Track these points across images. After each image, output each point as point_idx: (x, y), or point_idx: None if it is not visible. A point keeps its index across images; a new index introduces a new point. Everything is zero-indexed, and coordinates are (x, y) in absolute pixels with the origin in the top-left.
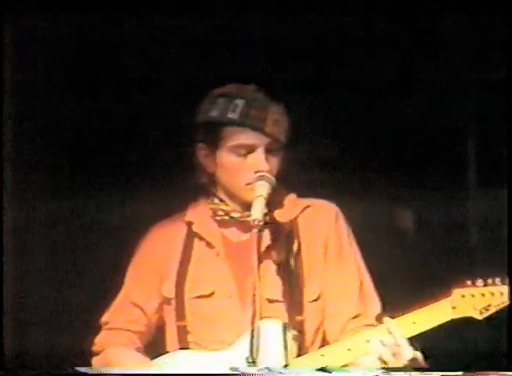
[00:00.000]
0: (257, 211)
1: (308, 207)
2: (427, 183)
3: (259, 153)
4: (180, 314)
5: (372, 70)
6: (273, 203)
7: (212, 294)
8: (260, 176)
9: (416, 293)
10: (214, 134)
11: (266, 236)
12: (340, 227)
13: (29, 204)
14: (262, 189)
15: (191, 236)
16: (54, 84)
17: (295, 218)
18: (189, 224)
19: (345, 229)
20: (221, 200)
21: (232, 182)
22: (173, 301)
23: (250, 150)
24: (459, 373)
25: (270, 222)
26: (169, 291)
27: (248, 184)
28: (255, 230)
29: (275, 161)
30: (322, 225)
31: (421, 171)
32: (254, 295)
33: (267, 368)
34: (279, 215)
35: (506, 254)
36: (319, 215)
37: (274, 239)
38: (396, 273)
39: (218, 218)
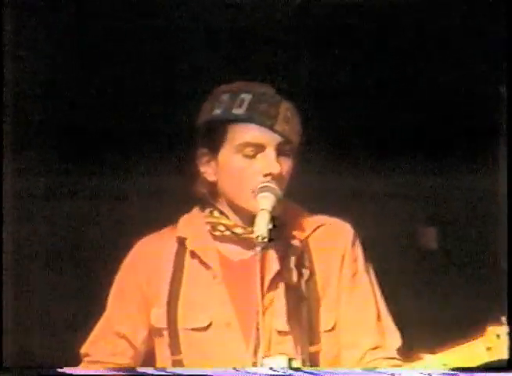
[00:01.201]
0: (261, 227)
1: (321, 226)
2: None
3: (269, 153)
4: (175, 347)
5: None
6: (280, 218)
7: (209, 325)
8: (263, 187)
9: (442, 326)
10: (217, 135)
11: (272, 255)
12: (357, 251)
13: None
14: (266, 202)
15: (182, 254)
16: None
17: (306, 238)
18: (181, 240)
19: (361, 253)
20: (222, 213)
21: (236, 190)
22: (165, 333)
23: (259, 149)
24: (459, 373)
25: (275, 240)
26: (159, 320)
27: (254, 190)
28: (258, 248)
29: (286, 165)
30: (338, 247)
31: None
32: (257, 325)
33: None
34: (289, 233)
35: None
36: (333, 236)
37: (282, 259)
38: (418, 303)
39: (217, 233)
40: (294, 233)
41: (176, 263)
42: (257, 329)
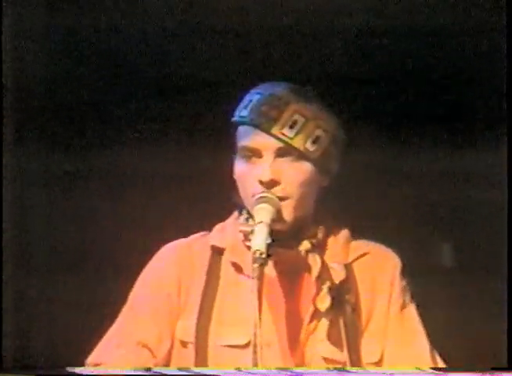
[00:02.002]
0: (259, 242)
1: (366, 254)
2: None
3: (265, 160)
4: (200, 364)
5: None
6: (314, 237)
7: (249, 344)
8: (260, 198)
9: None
10: (233, 137)
11: (309, 277)
12: (404, 283)
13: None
14: (264, 214)
15: (217, 264)
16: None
17: (350, 264)
18: (217, 250)
19: (407, 284)
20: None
21: (243, 195)
22: (190, 346)
23: (256, 154)
24: (459, 373)
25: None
26: (186, 333)
27: (253, 197)
28: (256, 265)
29: (291, 173)
30: (386, 277)
31: None
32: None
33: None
34: (330, 256)
35: None
36: (380, 266)
37: (320, 282)
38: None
39: (248, 243)
40: (334, 256)
41: (210, 274)
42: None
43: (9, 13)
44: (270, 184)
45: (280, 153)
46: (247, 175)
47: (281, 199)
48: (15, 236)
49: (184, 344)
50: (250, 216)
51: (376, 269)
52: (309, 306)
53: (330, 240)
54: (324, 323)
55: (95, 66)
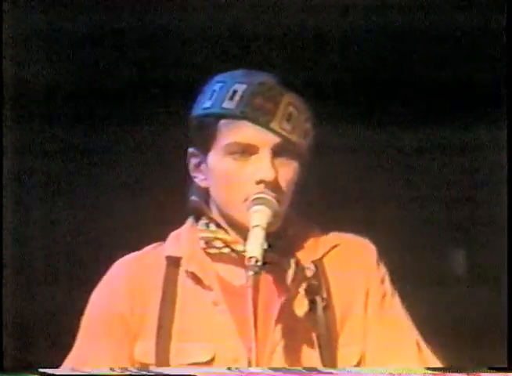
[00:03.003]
0: (255, 247)
1: (336, 246)
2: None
3: (263, 157)
4: None
5: None
6: (286, 234)
7: (212, 360)
8: (256, 199)
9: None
10: (206, 133)
11: (278, 281)
12: (382, 271)
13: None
14: (260, 218)
15: (173, 277)
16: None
17: (320, 260)
18: (174, 260)
19: (386, 274)
20: (220, 227)
21: (227, 198)
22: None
23: (252, 151)
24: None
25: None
26: (146, 354)
27: (247, 200)
28: (251, 273)
29: (287, 171)
30: (360, 269)
31: None
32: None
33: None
34: (298, 254)
35: None
36: (353, 257)
37: (290, 286)
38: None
39: (212, 251)
40: (304, 253)
41: (166, 288)
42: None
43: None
44: (271, 184)
45: (277, 150)
46: (238, 174)
47: (277, 200)
48: (15, 237)
49: (145, 366)
50: (211, 221)
51: (349, 260)
52: (274, 315)
53: (299, 236)
54: (289, 331)
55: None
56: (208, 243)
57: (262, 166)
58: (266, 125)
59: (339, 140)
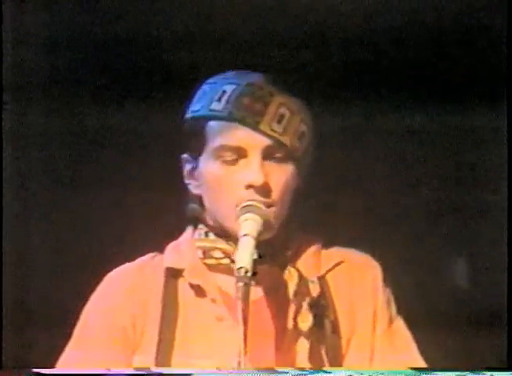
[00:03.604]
0: (244, 257)
1: (340, 263)
2: None
3: (252, 160)
4: None
5: None
6: (286, 248)
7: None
8: (246, 207)
9: None
10: (196, 136)
11: (282, 296)
12: (388, 293)
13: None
14: (250, 226)
15: (173, 289)
16: None
17: (323, 276)
18: (174, 272)
19: (391, 295)
20: (219, 235)
21: (217, 205)
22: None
23: (240, 154)
24: (459, 373)
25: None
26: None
27: (238, 206)
28: (241, 284)
29: (278, 175)
30: (367, 289)
31: None
32: None
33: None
34: (301, 268)
35: None
36: (358, 275)
37: (293, 302)
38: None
39: (211, 262)
40: (307, 268)
41: (166, 301)
42: None
43: None
44: (261, 189)
45: (267, 153)
46: (227, 179)
47: (268, 206)
48: (15, 237)
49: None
50: (209, 229)
51: (354, 279)
52: (289, 326)
53: (302, 252)
54: (305, 345)
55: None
56: (206, 253)
57: (251, 170)
58: (255, 127)
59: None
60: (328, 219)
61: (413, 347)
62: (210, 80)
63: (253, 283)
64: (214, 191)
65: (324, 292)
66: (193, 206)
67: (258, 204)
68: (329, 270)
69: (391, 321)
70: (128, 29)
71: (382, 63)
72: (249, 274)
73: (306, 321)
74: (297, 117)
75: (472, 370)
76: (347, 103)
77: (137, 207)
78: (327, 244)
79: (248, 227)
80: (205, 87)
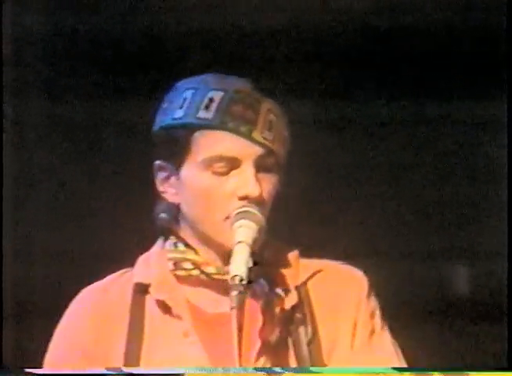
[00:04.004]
0: (239, 265)
1: (319, 271)
2: None
3: (246, 170)
4: None
5: None
6: (259, 258)
7: None
8: (241, 213)
9: None
10: (178, 145)
11: (256, 307)
12: (373, 304)
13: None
14: (245, 233)
15: (140, 305)
16: None
17: (303, 285)
18: (141, 287)
19: (377, 305)
20: (188, 246)
21: (205, 216)
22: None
23: (233, 165)
24: (459, 373)
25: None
26: None
27: (228, 218)
28: (235, 293)
29: (268, 184)
30: (348, 298)
31: None
32: None
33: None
34: (278, 277)
35: None
36: (341, 284)
37: (268, 312)
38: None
39: (181, 273)
40: (285, 276)
41: (133, 318)
42: None
43: None
44: (257, 200)
45: (259, 162)
46: (217, 189)
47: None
48: (15, 235)
49: None
50: (179, 240)
51: (335, 288)
52: (256, 340)
53: (278, 262)
54: (274, 359)
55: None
56: (176, 264)
57: (246, 181)
58: (248, 136)
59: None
60: (305, 228)
61: (395, 361)
62: (188, 84)
63: (248, 292)
64: (201, 202)
65: (302, 302)
66: (163, 216)
67: (254, 211)
68: (309, 279)
69: (371, 335)
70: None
71: (384, 55)
72: (244, 282)
73: (273, 334)
74: (282, 123)
75: (472, 370)
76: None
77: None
78: (304, 254)
79: (243, 234)
80: (185, 93)
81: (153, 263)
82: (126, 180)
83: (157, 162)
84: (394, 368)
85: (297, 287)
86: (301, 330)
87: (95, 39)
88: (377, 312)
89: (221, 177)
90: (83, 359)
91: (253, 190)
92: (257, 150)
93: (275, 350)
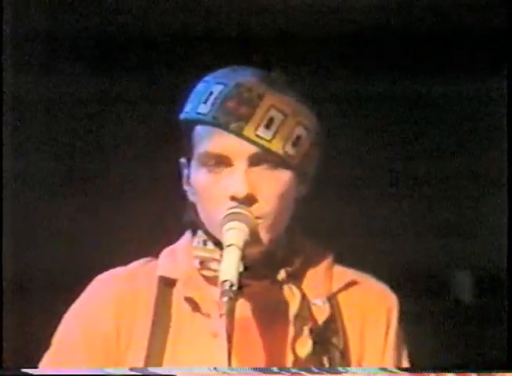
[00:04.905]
0: (229, 270)
1: (354, 283)
2: None
3: (237, 169)
4: None
5: None
6: (291, 264)
7: None
8: (230, 215)
9: None
10: (185, 140)
11: (285, 317)
12: (401, 333)
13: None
14: (235, 235)
15: (167, 300)
16: None
17: (335, 295)
18: (167, 281)
19: (403, 338)
20: (217, 245)
21: (206, 215)
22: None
23: (225, 162)
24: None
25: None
26: None
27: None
28: (225, 298)
29: (268, 185)
30: (380, 320)
31: None
32: None
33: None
34: (308, 288)
35: None
36: (373, 302)
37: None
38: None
39: (206, 273)
40: (315, 285)
41: (158, 312)
42: None
43: None
44: (245, 201)
45: (255, 161)
46: (212, 189)
47: (256, 217)
48: (15, 235)
49: None
50: (209, 238)
51: (367, 305)
52: (287, 352)
53: (309, 268)
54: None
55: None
56: (203, 263)
57: (234, 181)
58: (238, 133)
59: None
60: (340, 231)
61: None
62: (206, 77)
63: (238, 297)
64: (202, 200)
65: (334, 315)
66: (190, 213)
67: (245, 212)
68: (342, 289)
69: (396, 361)
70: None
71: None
72: (234, 288)
73: (305, 347)
74: (292, 120)
75: (472, 370)
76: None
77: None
78: (338, 260)
79: (233, 237)
80: (199, 86)
81: (180, 258)
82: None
83: (181, 160)
84: (399, 368)
85: (329, 297)
86: (334, 344)
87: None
88: (404, 339)
89: (215, 175)
90: (103, 349)
91: (240, 191)
92: (250, 149)
93: (307, 363)
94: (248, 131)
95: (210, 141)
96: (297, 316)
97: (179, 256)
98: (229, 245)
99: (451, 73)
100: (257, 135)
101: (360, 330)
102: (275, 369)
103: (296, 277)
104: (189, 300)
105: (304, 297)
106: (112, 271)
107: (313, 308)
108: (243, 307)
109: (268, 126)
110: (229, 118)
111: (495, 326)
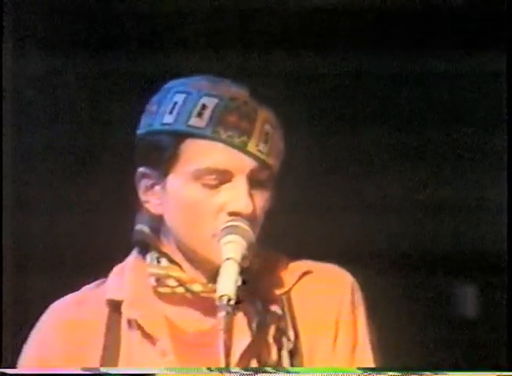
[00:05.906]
0: (227, 284)
1: (307, 273)
2: None
3: (238, 185)
4: None
5: None
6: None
7: None
8: (229, 228)
9: None
10: (165, 153)
11: (240, 322)
12: (359, 306)
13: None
14: (234, 249)
15: (116, 323)
16: None
17: (288, 292)
18: (115, 304)
19: (364, 309)
20: (173, 262)
21: (192, 231)
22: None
23: (225, 178)
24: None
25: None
26: None
27: (213, 236)
28: (223, 314)
29: (261, 200)
30: (332, 300)
31: None
32: None
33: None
34: (264, 288)
35: None
36: (325, 286)
37: (253, 326)
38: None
39: (164, 290)
40: (272, 285)
41: (108, 337)
42: None
43: None
44: (248, 217)
45: (253, 176)
46: (206, 204)
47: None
48: (15, 234)
49: None
50: (161, 254)
51: (320, 290)
52: (235, 361)
53: (266, 271)
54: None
55: None
56: (159, 280)
57: (238, 196)
58: (243, 148)
59: None
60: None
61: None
62: (179, 87)
63: (236, 312)
64: (188, 215)
65: (284, 311)
66: (143, 228)
67: (243, 226)
68: (296, 282)
69: (356, 340)
70: None
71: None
72: (232, 302)
73: (270, 355)
74: (278, 134)
75: (472, 370)
76: None
77: None
78: (294, 258)
79: (231, 250)
80: (176, 96)
81: (128, 277)
82: None
83: (141, 169)
84: (401, 369)
85: (282, 295)
86: (284, 340)
87: None
88: (363, 316)
89: (210, 190)
90: None
91: (246, 207)
92: (251, 164)
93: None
94: (251, 146)
95: (209, 156)
96: (258, 324)
97: (127, 275)
98: (228, 259)
99: (451, 50)
100: (259, 150)
101: (315, 316)
102: (269, 369)
103: (254, 280)
104: (133, 322)
105: (264, 304)
106: (64, 299)
107: (269, 310)
108: (198, 322)
109: (265, 141)
110: (233, 133)
111: (495, 326)
